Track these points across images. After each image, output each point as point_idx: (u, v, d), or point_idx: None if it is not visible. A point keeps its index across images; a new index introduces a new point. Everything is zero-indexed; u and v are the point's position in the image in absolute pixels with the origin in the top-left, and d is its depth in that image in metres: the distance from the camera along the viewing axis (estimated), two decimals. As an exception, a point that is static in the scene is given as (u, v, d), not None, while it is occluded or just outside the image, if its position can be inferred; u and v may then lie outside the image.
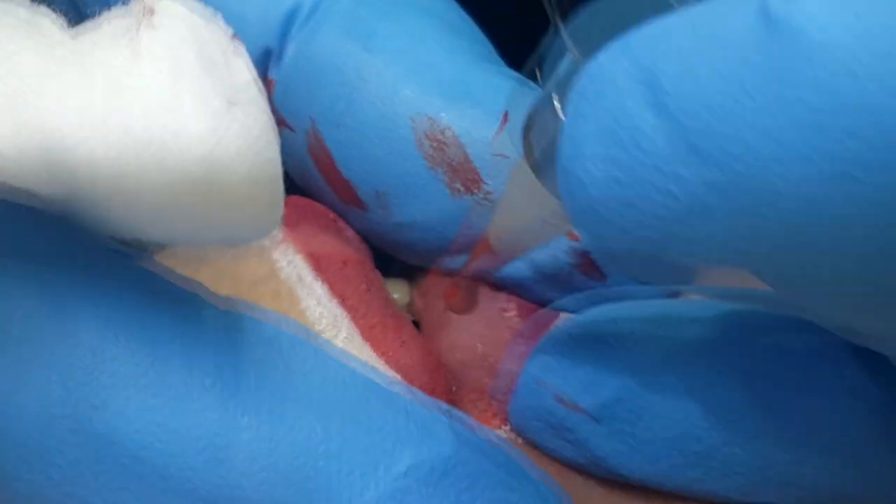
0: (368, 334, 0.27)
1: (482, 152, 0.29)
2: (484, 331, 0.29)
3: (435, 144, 0.29)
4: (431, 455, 0.20)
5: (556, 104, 0.21)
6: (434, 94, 0.29)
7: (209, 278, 0.29)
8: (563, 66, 0.21)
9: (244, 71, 0.18)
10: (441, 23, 0.30)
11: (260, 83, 0.18)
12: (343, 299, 0.27)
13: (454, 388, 0.28)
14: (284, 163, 0.32)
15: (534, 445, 0.26)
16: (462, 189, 0.29)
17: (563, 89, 0.21)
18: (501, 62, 0.31)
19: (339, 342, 0.26)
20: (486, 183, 0.29)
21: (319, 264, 0.28)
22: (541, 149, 0.22)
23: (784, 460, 0.23)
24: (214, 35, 0.18)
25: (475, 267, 0.26)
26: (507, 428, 0.27)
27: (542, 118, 0.22)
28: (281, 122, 0.30)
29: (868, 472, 0.23)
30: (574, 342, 0.25)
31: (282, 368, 0.20)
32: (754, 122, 0.14)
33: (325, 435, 0.20)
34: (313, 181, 0.30)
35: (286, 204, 0.31)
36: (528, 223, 0.24)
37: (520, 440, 0.27)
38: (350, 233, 0.30)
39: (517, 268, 0.29)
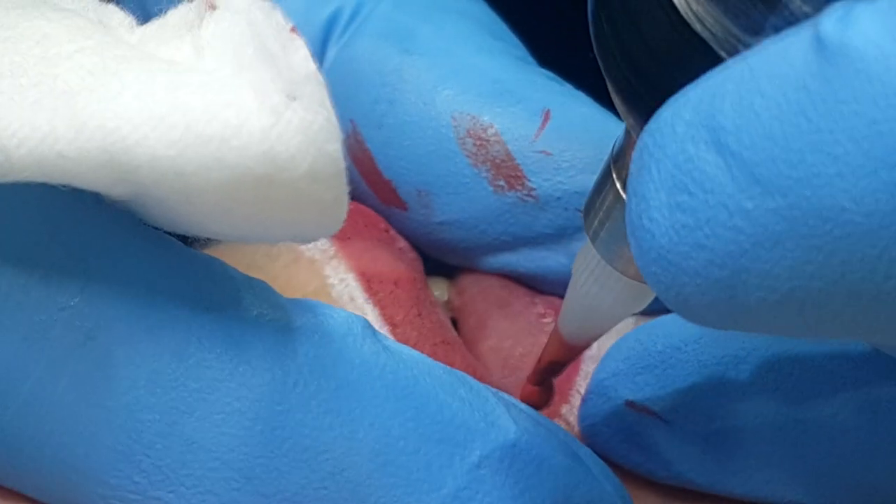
0: None
1: (524, 149, 0.29)
2: (522, 336, 0.29)
3: (477, 142, 0.29)
4: (499, 444, 0.20)
5: (615, 178, 0.21)
6: (475, 92, 0.29)
7: None
8: (619, 138, 0.21)
9: (304, 64, 0.18)
10: (478, 25, 0.31)
11: (321, 76, 0.18)
12: (394, 326, 0.27)
13: None
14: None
15: (604, 455, 0.26)
16: (505, 186, 0.29)
17: (619, 161, 0.21)
18: (536, 63, 0.31)
19: None
20: (528, 179, 0.29)
21: (371, 285, 0.28)
22: (605, 227, 0.22)
23: (849, 468, 0.23)
24: (274, 28, 0.18)
25: (548, 360, 0.26)
26: None
27: (603, 195, 0.22)
28: None
29: None
30: (642, 346, 0.25)
31: (358, 365, 0.20)
32: (814, 142, 0.15)
33: (402, 431, 0.20)
34: (354, 184, 0.30)
35: None
36: (597, 309, 0.24)
37: None
38: (402, 243, 0.30)
39: (559, 262, 0.29)
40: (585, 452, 0.22)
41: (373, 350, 0.20)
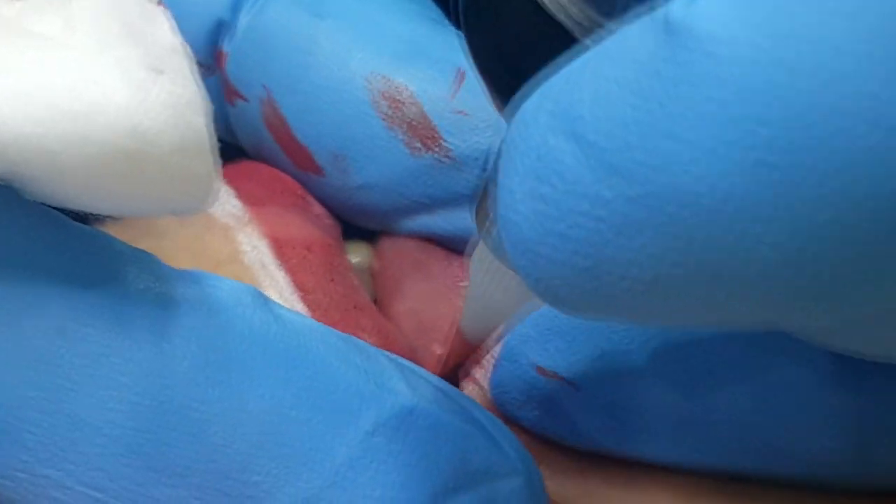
0: None
1: (440, 110, 0.29)
2: (437, 298, 0.29)
3: (392, 104, 0.28)
4: (394, 411, 0.20)
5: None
6: (388, 54, 0.29)
7: (170, 252, 0.29)
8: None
9: (169, 37, 0.17)
10: None
11: (187, 49, 0.18)
12: (305, 292, 0.27)
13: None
14: (238, 135, 0.32)
15: (514, 420, 0.26)
16: (422, 148, 0.29)
17: None
18: (451, 24, 0.31)
19: None
20: (445, 140, 0.29)
21: (283, 251, 0.28)
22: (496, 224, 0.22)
23: (761, 425, 0.23)
24: (138, 2, 0.18)
25: (454, 363, 0.26)
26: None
27: (492, 192, 0.22)
28: (235, 94, 0.30)
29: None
30: (552, 313, 0.25)
31: (246, 336, 0.20)
32: (668, 129, 0.15)
33: (293, 401, 0.20)
34: (269, 151, 0.30)
35: (252, 178, 0.31)
36: (496, 306, 0.24)
37: None
38: (319, 209, 0.30)
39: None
40: (487, 418, 0.22)
41: (263, 320, 0.20)
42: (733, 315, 0.16)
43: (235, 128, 0.32)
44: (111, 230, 0.31)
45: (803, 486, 0.24)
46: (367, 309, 0.27)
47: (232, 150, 0.32)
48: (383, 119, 0.29)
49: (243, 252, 0.28)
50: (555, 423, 0.25)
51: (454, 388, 0.22)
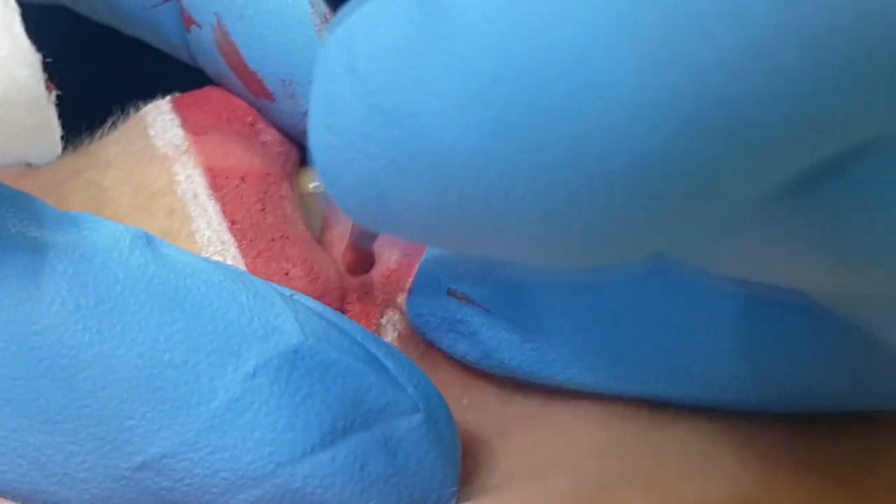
0: (252, 264, 0.26)
1: None
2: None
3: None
4: (278, 351, 0.20)
5: None
6: None
7: (112, 183, 0.29)
8: None
9: None
10: None
11: (10, 2, 0.17)
12: (233, 223, 0.26)
13: (348, 298, 0.27)
14: (198, 61, 0.32)
15: (434, 345, 0.26)
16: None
17: None
18: None
19: None
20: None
21: (216, 181, 0.27)
22: None
23: (665, 348, 0.23)
24: None
25: (357, 232, 0.26)
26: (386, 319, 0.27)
27: None
28: (190, 21, 0.30)
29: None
30: None
31: (122, 280, 0.20)
32: (421, 77, 0.15)
33: (168, 344, 0.19)
34: (225, 77, 0.30)
35: (203, 106, 0.30)
36: None
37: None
38: (269, 136, 0.30)
39: None
40: (389, 355, 0.21)
41: (140, 262, 0.20)
42: (511, 251, 0.16)
43: (194, 54, 0.31)
44: (65, 159, 0.31)
45: (714, 410, 0.23)
46: (295, 239, 0.27)
47: (195, 75, 0.32)
48: None
49: (177, 182, 0.27)
50: (470, 348, 0.25)
51: (356, 326, 0.22)
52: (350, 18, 0.16)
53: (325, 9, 0.29)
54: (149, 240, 0.20)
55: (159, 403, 0.19)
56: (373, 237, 0.26)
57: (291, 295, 0.21)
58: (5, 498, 0.20)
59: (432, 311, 0.25)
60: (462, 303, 0.24)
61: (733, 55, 0.13)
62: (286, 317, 0.20)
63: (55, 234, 0.20)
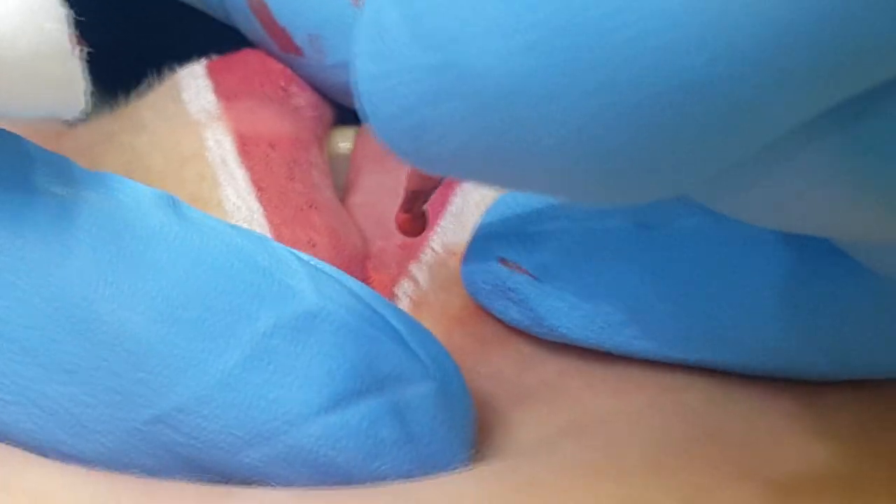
0: (277, 233, 0.26)
1: None
2: (388, 193, 0.28)
3: None
4: (294, 312, 0.20)
5: None
6: None
7: (145, 148, 0.29)
8: None
9: None
10: None
11: None
12: (261, 190, 0.27)
13: (368, 267, 0.28)
14: (235, 21, 0.32)
15: (486, 309, 0.26)
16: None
17: None
18: None
19: None
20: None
21: (246, 148, 0.27)
22: None
23: (707, 318, 0.23)
24: None
25: (412, 188, 0.26)
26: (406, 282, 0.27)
27: None
28: None
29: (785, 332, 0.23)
30: (516, 203, 0.25)
31: (142, 236, 0.20)
32: (460, 1, 0.15)
33: (184, 301, 0.20)
34: (257, 34, 0.31)
35: (236, 70, 0.31)
36: None
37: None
38: (302, 100, 0.30)
39: None
40: (404, 322, 0.22)
41: (162, 222, 0.20)
42: (559, 186, 0.16)
43: (229, 12, 0.32)
44: (101, 120, 0.31)
45: (728, 379, 0.24)
46: (322, 207, 0.27)
47: (234, 36, 0.32)
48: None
49: (207, 148, 0.28)
50: (521, 315, 0.25)
51: (372, 293, 0.22)
52: None
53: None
54: (173, 201, 0.21)
55: (173, 359, 0.20)
56: (425, 198, 0.26)
57: (313, 262, 0.22)
58: (24, 448, 0.20)
59: (484, 278, 0.26)
60: (513, 270, 0.25)
61: None
62: (304, 281, 0.21)
63: (81, 191, 0.20)
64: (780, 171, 0.16)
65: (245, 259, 0.21)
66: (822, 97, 0.15)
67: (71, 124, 0.35)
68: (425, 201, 0.26)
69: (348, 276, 0.22)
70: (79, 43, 0.18)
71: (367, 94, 0.17)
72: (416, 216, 0.26)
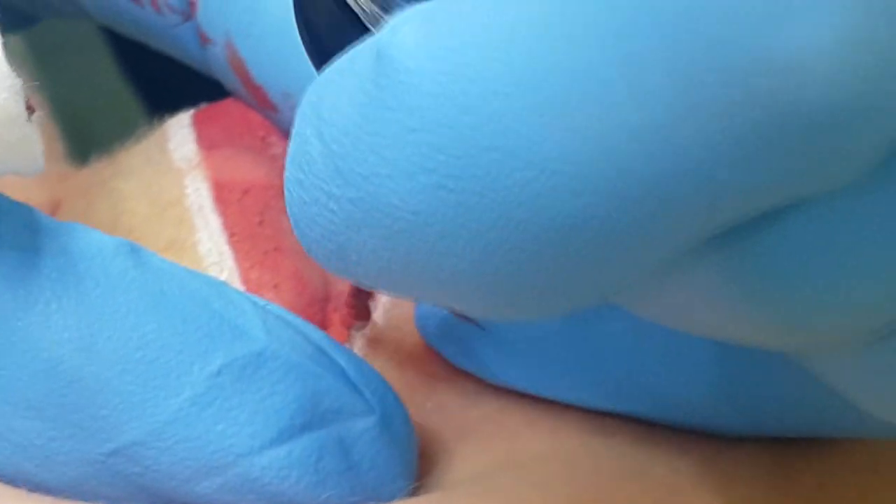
0: (245, 276, 0.28)
1: None
2: None
3: None
4: (243, 353, 0.22)
5: None
6: None
7: (131, 193, 0.31)
8: None
9: None
10: None
11: None
12: (232, 235, 0.28)
13: (328, 309, 0.29)
14: (216, 76, 0.34)
15: (441, 355, 0.28)
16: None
17: None
18: None
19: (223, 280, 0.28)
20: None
21: (221, 194, 0.29)
22: None
23: (632, 377, 0.25)
24: None
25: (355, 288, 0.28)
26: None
27: None
28: (205, 39, 0.32)
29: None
30: None
31: (102, 283, 0.22)
32: (372, 144, 0.16)
33: (141, 343, 0.22)
34: (237, 90, 0.32)
35: (218, 121, 0.33)
36: None
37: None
38: (279, 149, 0.32)
39: None
40: (349, 360, 0.24)
41: (121, 268, 0.22)
42: (470, 308, 0.18)
43: (212, 69, 0.33)
44: (99, 166, 0.33)
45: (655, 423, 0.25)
46: (287, 251, 0.29)
47: (215, 88, 0.34)
48: None
49: (186, 195, 0.29)
50: (467, 360, 0.27)
51: (321, 333, 0.24)
52: (318, 80, 0.18)
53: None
54: (133, 248, 0.23)
55: (130, 396, 0.21)
56: (369, 293, 0.28)
57: (265, 305, 0.23)
58: None
59: (435, 323, 0.27)
60: (462, 320, 0.26)
61: (642, 132, 0.15)
62: (254, 323, 0.23)
63: (45, 240, 0.22)
64: (667, 290, 0.18)
65: (199, 303, 0.22)
66: (689, 233, 0.16)
67: (72, 169, 0.37)
68: (369, 297, 0.28)
69: (298, 317, 0.24)
70: (32, 108, 0.20)
71: (294, 217, 0.18)
72: (361, 306, 0.28)
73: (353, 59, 0.17)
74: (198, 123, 0.32)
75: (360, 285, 0.19)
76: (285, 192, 0.18)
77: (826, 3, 0.14)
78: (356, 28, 0.20)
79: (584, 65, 0.15)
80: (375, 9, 0.19)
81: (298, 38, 0.30)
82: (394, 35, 0.16)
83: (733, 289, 0.17)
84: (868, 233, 0.16)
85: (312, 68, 0.30)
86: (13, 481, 0.22)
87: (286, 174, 0.18)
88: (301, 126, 0.18)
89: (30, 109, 0.20)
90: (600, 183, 0.15)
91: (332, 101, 0.17)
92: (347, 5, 0.20)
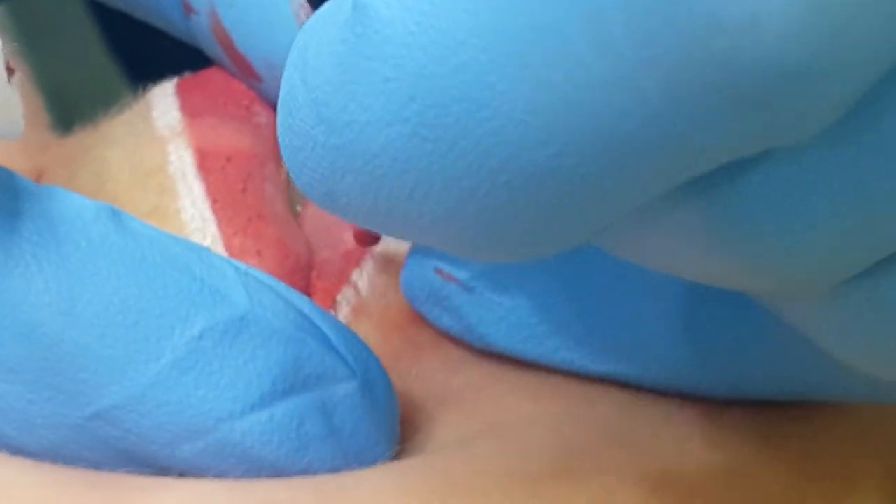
0: (228, 242, 0.28)
1: None
2: None
3: (307, 12, 0.30)
4: (224, 317, 0.22)
5: None
6: None
7: (115, 161, 0.31)
8: None
9: None
10: None
11: None
12: (215, 202, 0.28)
13: (312, 276, 0.29)
14: (200, 46, 0.34)
15: (422, 316, 0.28)
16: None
17: None
18: None
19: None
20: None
21: (204, 161, 0.29)
22: None
23: (617, 336, 0.25)
24: None
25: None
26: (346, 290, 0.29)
27: None
28: (189, 9, 0.32)
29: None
30: None
31: (83, 246, 0.22)
32: (352, 92, 0.17)
33: (121, 306, 0.22)
34: (221, 60, 0.32)
35: (203, 88, 0.32)
36: None
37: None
38: (263, 118, 0.32)
39: None
40: (331, 325, 0.23)
41: (102, 232, 0.22)
42: (437, 242, 0.18)
43: (196, 39, 0.33)
44: (82, 134, 0.33)
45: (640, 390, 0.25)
46: (270, 219, 0.29)
47: (199, 58, 0.34)
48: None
49: (170, 162, 0.29)
50: (453, 322, 0.27)
51: (303, 298, 0.24)
52: (306, 26, 0.18)
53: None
54: (114, 213, 0.23)
55: (110, 360, 0.21)
56: None
57: (247, 270, 0.23)
58: None
59: (421, 286, 0.27)
60: (446, 281, 0.26)
61: (604, 84, 0.15)
62: (236, 288, 0.22)
63: (26, 204, 0.22)
64: (645, 232, 0.18)
65: (180, 267, 0.22)
66: (658, 180, 0.16)
67: (57, 137, 0.37)
68: None
69: (281, 283, 0.24)
70: (12, 70, 0.20)
71: (287, 161, 0.19)
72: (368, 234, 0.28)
73: (334, 7, 0.17)
74: (182, 92, 0.32)
75: (356, 224, 0.19)
76: (279, 139, 0.19)
77: None
78: None
79: (548, 19, 0.15)
80: None
81: (282, 8, 0.30)
82: None
83: (705, 232, 0.17)
84: (828, 183, 0.17)
85: (293, 37, 0.30)
86: (-7, 445, 0.22)
87: (278, 120, 0.19)
88: (290, 72, 0.18)
89: (9, 71, 0.20)
90: (566, 133, 0.15)
91: (316, 49, 0.17)
92: None
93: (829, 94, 0.15)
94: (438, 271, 0.27)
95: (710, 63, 0.14)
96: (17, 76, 0.20)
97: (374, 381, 0.23)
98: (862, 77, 0.15)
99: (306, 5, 0.31)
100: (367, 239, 0.28)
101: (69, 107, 0.42)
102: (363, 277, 0.28)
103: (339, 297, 0.28)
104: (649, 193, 0.17)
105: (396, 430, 0.24)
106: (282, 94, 0.18)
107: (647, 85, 0.15)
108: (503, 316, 0.26)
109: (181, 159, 0.29)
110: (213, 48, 0.32)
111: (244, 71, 0.31)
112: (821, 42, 0.14)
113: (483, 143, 0.16)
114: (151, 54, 0.40)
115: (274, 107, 0.32)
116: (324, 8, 0.18)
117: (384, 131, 0.16)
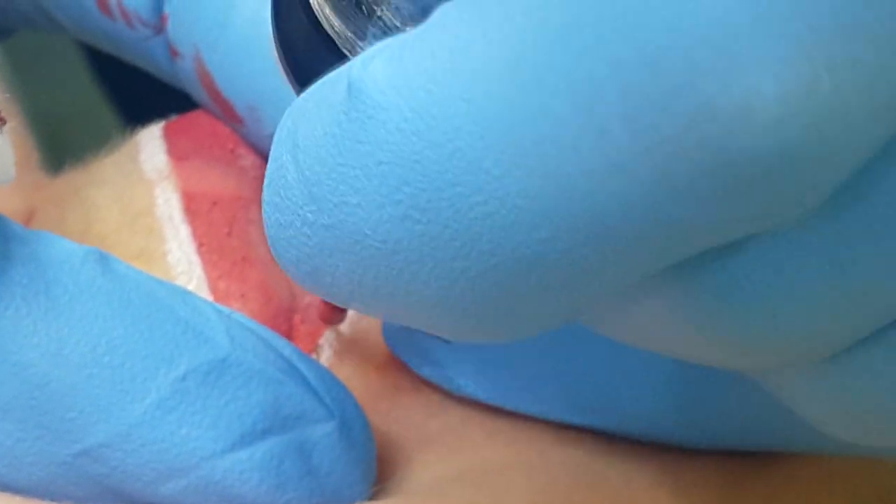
0: (213, 285, 0.28)
1: None
2: None
3: None
4: (207, 359, 0.23)
5: None
6: None
7: (104, 202, 0.32)
8: None
9: None
10: None
11: None
12: (201, 244, 0.29)
13: (295, 319, 0.30)
14: (186, 89, 0.34)
15: (405, 364, 0.28)
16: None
17: None
18: None
19: (191, 289, 0.28)
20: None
21: (191, 205, 0.30)
22: None
23: (594, 393, 0.26)
24: None
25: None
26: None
27: None
28: (175, 52, 0.33)
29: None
30: None
31: (71, 289, 0.22)
32: (343, 174, 0.17)
33: (108, 348, 0.22)
34: (206, 103, 0.33)
35: (189, 132, 0.33)
36: None
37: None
38: (249, 161, 0.32)
39: None
40: (310, 367, 0.24)
41: (90, 276, 0.23)
42: (437, 330, 0.19)
43: (182, 82, 0.34)
44: (73, 174, 0.34)
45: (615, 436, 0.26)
46: (255, 262, 0.29)
47: (187, 100, 0.35)
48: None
49: (157, 205, 0.30)
50: (432, 372, 0.28)
51: (283, 342, 0.24)
52: (295, 105, 0.18)
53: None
54: (101, 256, 0.23)
55: (97, 399, 0.22)
56: None
57: (230, 314, 0.24)
58: None
59: (400, 335, 0.28)
60: (426, 333, 0.27)
61: (598, 170, 0.15)
62: (218, 331, 0.23)
63: (16, 248, 0.23)
64: (629, 312, 0.18)
65: (165, 311, 0.23)
66: (646, 264, 0.17)
67: (48, 177, 0.37)
68: None
69: (262, 326, 0.24)
70: (5, 120, 0.20)
71: (272, 239, 0.19)
72: (335, 308, 0.29)
73: (327, 89, 0.17)
74: (169, 135, 0.32)
75: (336, 303, 0.20)
76: (263, 215, 0.19)
77: (771, 55, 0.14)
78: (332, 50, 0.20)
79: (545, 107, 0.15)
80: (349, 34, 0.20)
81: (263, 54, 0.31)
82: (365, 69, 0.16)
83: (690, 313, 0.18)
84: (811, 263, 0.17)
85: (277, 83, 0.31)
86: (-20, 482, 0.23)
87: (264, 197, 0.19)
88: (278, 151, 0.18)
89: (1, 121, 0.20)
90: (559, 218, 0.16)
91: (307, 129, 0.17)
92: (324, 28, 0.20)
93: (819, 178, 0.15)
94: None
95: (704, 149, 0.15)
96: (9, 125, 0.21)
97: (351, 421, 0.24)
98: (851, 161, 0.15)
99: None
100: (333, 317, 0.29)
101: (60, 144, 0.42)
102: (345, 322, 0.29)
103: (321, 341, 0.29)
104: (636, 275, 0.17)
105: (373, 469, 0.25)
106: (269, 171, 0.19)
107: (641, 171, 0.15)
108: (481, 369, 0.27)
109: (168, 203, 0.30)
110: (197, 91, 0.33)
111: (227, 113, 0.32)
112: (813, 129, 0.15)
113: (475, 226, 0.16)
114: (141, 93, 0.41)
115: (256, 149, 0.33)
116: (315, 88, 0.18)
117: (376, 213, 0.17)
